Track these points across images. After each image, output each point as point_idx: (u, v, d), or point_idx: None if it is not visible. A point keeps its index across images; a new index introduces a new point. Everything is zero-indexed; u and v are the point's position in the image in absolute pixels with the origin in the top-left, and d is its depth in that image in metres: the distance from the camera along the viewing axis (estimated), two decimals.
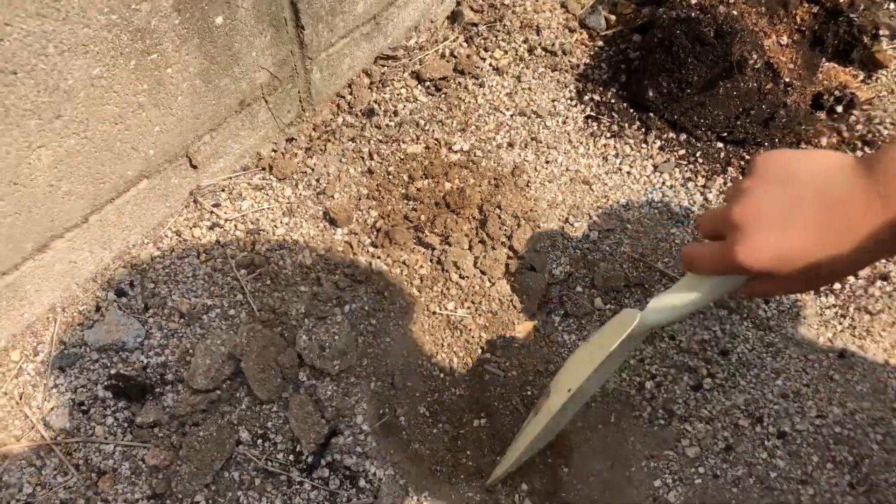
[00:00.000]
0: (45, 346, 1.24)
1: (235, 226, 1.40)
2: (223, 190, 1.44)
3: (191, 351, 1.24)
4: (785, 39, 1.51)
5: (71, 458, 1.15)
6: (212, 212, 1.41)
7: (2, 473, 1.12)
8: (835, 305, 1.37)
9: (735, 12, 1.46)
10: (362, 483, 1.15)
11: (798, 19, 1.54)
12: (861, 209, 0.57)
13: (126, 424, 1.18)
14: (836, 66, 1.68)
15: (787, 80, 1.47)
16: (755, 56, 1.44)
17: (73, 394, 1.20)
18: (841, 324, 1.35)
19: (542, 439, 1.09)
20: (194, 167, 1.38)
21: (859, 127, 1.59)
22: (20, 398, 1.19)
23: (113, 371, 1.22)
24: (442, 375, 1.29)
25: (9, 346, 1.23)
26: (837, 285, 1.39)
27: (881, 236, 0.57)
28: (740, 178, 0.63)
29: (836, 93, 1.59)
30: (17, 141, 1.04)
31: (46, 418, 1.17)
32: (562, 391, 0.98)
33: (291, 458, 1.17)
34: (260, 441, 1.18)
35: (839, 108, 1.59)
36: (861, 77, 1.70)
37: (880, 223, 0.56)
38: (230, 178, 1.46)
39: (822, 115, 1.59)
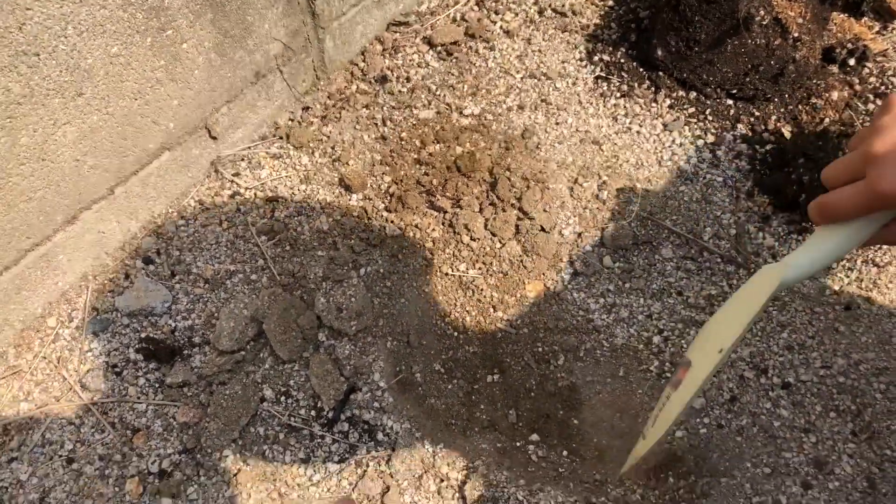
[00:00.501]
0: (78, 313, 1.31)
1: (255, 194, 1.45)
2: (242, 159, 1.49)
3: (216, 315, 1.30)
4: None
5: (107, 417, 1.22)
6: (232, 181, 1.46)
7: (44, 431, 1.20)
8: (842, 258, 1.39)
9: None
10: (380, 436, 1.21)
11: None
12: None
13: (157, 385, 1.25)
14: (849, 18, 1.67)
15: (796, 34, 1.47)
16: (762, 12, 1.44)
17: (107, 357, 1.27)
18: (848, 276, 1.37)
19: (683, 413, 1.10)
20: (214, 138, 1.43)
21: (872, 80, 1.58)
22: (58, 362, 1.27)
23: (143, 335, 1.29)
24: (455, 334, 1.33)
25: (45, 314, 1.31)
26: None
27: None
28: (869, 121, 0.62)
29: (849, 45, 1.59)
30: (42, 119, 1.10)
31: (83, 380, 1.24)
32: (710, 353, 0.99)
33: (313, 413, 1.23)
34: (283, 398, 1.24)
35: (851, 61, 1.59)
36: (876, 28, 1.68)
37: None
38: (249, 147, 1.51)
39: (833, 68, 1.59)
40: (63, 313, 1.31)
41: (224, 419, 1.20)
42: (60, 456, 1.18)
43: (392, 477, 1.17)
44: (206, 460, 1.18)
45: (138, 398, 1.23)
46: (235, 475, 1.17)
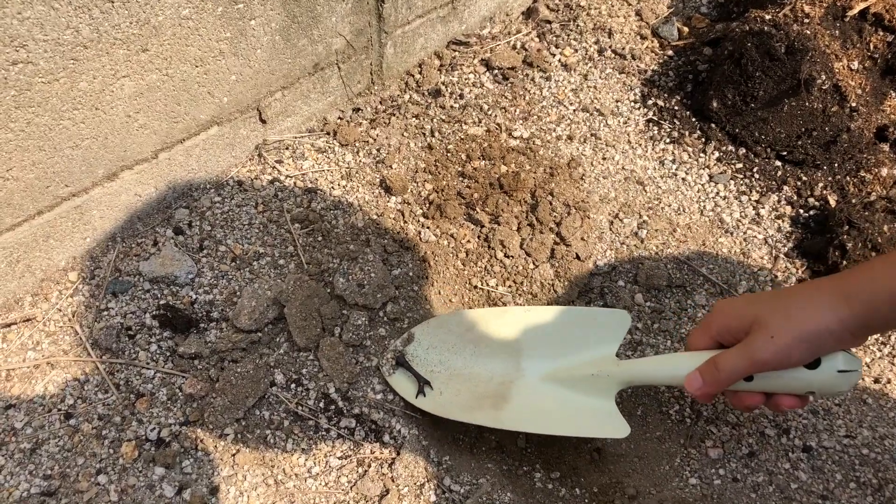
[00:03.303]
0: (101, 271, 1.29)
1: (295, 183, 1.44)
2: (287, 148, 1.49)
3: (238, 293, 1.29)
4: (855, 64, 1.51)
5: (113, 378, 1.19)
6: (274, 167, 1.45)
7: (47, 383, 1.18)
8: None
9: (808, 31, 1.47)
10: (387, 438, 1.18)
11: (871, 46, 1.54)
12: None
13: (168, 353, 1.22)
14: None
15: (854, 104, 1.47)
16: (823, 76, 1.45)
17: (123, 318, 1.25)
18: (881, 351, 1.34)
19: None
20: (263, 122, 1.43)
21: None
22: (73, 316, 1.25)
23: (162, 302, 1.27)
24: None
25: (68, 267, 1.29)
26: None
27: None
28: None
29: None
30: (104, 67, 1.10)
31: (95, 337, 1.22)
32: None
33: (321, 405, 1.20)
34: (293, 385, 1.21)
35: None
36: None
37: None
38: (295, 137, 1.51)
39: (885, 146, 1.58)
40: (86, 269, 1.30)
41: (231, 397, 1.17)
42: (59, 410, 1.16)
43: (393, 481, 1.14)
44: (206, 435, 1.15)
45: (147, 364, 1.21)
46: (234, 455, 1.14)
